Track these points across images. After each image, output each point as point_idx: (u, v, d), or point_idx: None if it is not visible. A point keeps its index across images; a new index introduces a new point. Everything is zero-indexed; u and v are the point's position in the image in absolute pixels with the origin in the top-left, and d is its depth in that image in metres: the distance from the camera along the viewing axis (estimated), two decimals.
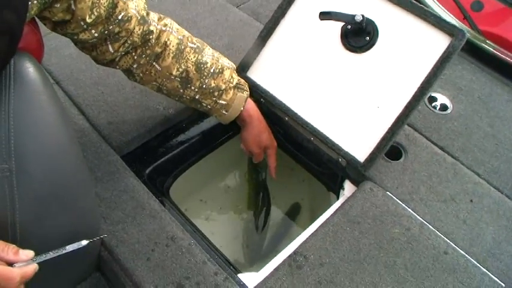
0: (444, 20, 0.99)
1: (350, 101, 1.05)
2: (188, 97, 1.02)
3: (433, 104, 1.22)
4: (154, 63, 0.96)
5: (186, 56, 0.98)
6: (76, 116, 1.11)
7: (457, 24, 0.99)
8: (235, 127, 1.16)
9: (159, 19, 0.97)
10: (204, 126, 1.22)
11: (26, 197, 0.73)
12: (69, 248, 0.74)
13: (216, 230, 1.29)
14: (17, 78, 0.74)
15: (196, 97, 1.02)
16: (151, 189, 1.01)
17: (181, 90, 1.00)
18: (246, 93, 1.07)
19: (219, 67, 1.02)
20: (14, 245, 0.68)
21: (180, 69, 0.98)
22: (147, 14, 0.93)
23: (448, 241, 0.95)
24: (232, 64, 1.08)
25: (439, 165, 1.08)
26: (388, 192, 1.02)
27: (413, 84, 0.99)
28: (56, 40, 1.18)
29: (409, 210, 0.99)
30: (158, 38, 0.95)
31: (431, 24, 1.00)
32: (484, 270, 0.92)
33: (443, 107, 1.22)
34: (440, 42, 0.99)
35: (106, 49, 0.91)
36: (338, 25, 1.06)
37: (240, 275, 0.91)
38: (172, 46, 0.96)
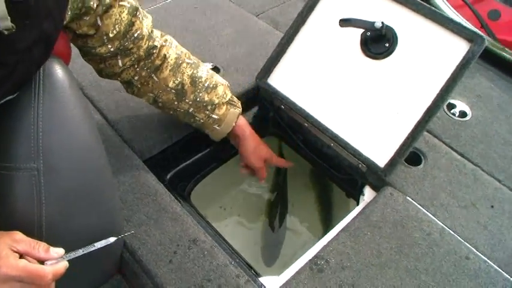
0: (463, 26, 1.00)
1: (370, 107, 1.06)
2: (182, 110, 1.05)
3: (452, 111, 1.22)
4: (153, 75, 1.00)
5: (183, 70, 1.02)
6: (99, 120, 1.13)
7: (476, 30, 1.00)
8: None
9: (161, 35, 1.02)
10: None
11: (53, 196, 0.75)
12: (98, 245, 0.76)
13: (235, 236, 1.30)
14: (46, 81, 0.76)
15: (190, 110, 1.04)
16: (172, 193, 1.02)
17: (176, 103, 1.03)
18: (238, 110, 1.09)
19: (213, 82, 1.05)
20: (44, 243, 0.69)
21: (176, 82, 1.01)
22: (152, 31, 0.98)
23: (470, 246, 0.95)
24: (226, 82, 1.10)
25: (459, 171, 1.08)
26: (408, 198, 1.02)
27: (432, 90, 1.00)
28: None
29: (430, 215, 0.99)
30: (159, 51, 1.00)
31: (450, 30, 1.01)
32: (506, 275, 0.91)
33: (463, 114, 1.22)
34: (460, 48, 1.00)
35: (115, 63, 0.96)
36: (358, 32, 1.08)
37: (261, 279, 0.91)
38: (171, 60, 1.01)
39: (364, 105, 1.06)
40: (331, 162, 1.16)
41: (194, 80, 1.02)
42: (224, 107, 1.06)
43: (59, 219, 0.77)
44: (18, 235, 0.68)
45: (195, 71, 1.03)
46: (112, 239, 0.77)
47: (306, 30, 1.15)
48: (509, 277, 0.91)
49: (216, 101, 1.04)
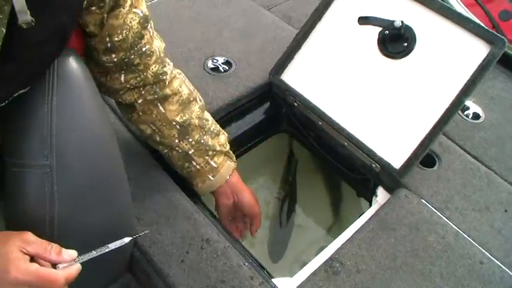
0: (484, 28, 0.99)
1: (386, 107, 1.04)
2: (180, 150, 0.97)
3: (466, 113, 1.21)
4: (159, 104, 0.94)
5: (192, 107, 0.96)
6: (108, 114, 1.10)
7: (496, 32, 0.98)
8: (263, 133, 1.15)
9: (173, 67, 0.97)
10: (234, 130, 1.21)
11: (65, 193, 0.73)
12: (112, 246, 0.73)
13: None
14: (60, 74, 0.73)
15: (190, 152, 0.97)
16: (183, 190, 1.00)
17: (177, 141, 0.96)
18: (234, 164, 1.04)
19: (217, 129, 1.01)
20: (57, 245, 0.67)
21: (184, 118, 0.95)
22: (164, 56, 0.93)
23: (484, 251, 0.94)
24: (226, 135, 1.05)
25: (472, 174, 1.07)
26: (423, 200, 1.01)
27: (451, 91, 0.99)
28: None
29: (444, 218, 0.99)
30: (171, 81, 0.94)
31: (470, 31, 1.00)
32: None
33: (476, 116, 1.21)
34: (480, 50, 0.98)
35: (117, 77, 0.89)
36: (375, 30, 1.06)
37: (274, 280, 0.90)
38: (183, 94, 0.95)
39: (381, 105, 1.05)
40: (344, 161, 1.15)
41: (202, 122, 0.97)
42: (222, 157, 1.00)
43: (71, 217, 0.75)
44: (29, 236, 0.65)
45: (202, 113, 0.98)
46: (127, 239, 0.75)
47: (322, 27, 1.13)
48: None
49: (218, 148, 0.99)
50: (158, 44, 0.90)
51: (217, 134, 1.00)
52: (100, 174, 0.79)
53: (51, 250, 0.66)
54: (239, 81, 1.21)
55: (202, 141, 0.97)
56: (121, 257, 0.91)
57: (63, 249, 0.67)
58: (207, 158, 0.98)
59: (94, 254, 0.71)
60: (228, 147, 1.02)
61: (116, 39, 0.81)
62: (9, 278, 0.61)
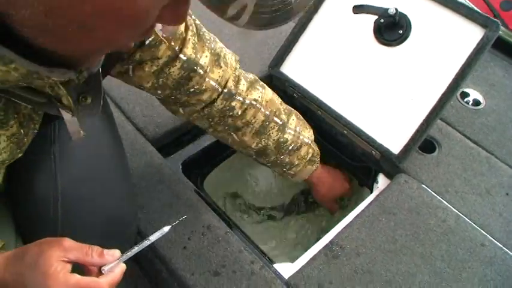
0: (477, 12, 0.99)
1: (383, 94, 1.05)
2: (259, 161, 1.05)
3: (466, 100, 1.21)
4: (232, 133, 0.95)
5: (269, 132, 0.96)
6: (112, 108, 1.12)
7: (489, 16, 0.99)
8: None
9: (248, 90, 0.91)
10: None
11: (67, 178, 0.76)
12: (153, 237, 0.70)
13: (248, 230, 1.30)
14: None
15: (268, 165, 1.05)
16: (186, 180, 1.02)
17: (254, 157, 1.03)
18: (316, 166, 1.08)
19: (298, 144, 1.00)
20: (97, 247, 0.64)
21: (260, 145, 0.97)
22: (237, 82, 0.89)
23: (485, 233, 0.94)
24: (312, 138, 1.05)
25: (473, 158, 1.08)
26: (423, 185, 1.01)
27: (447, 76, 0.99)
28: None
29: (445, 202, 0.99)
30: (243, 113, 0.92)
31: (464, 16, 1.00)
32: None
33: (476, 103, 1.21)
34: (474, 33, 0.99)
35: (176, 110, 0.93)
36: (371, 19, 1.07)
37: (275, 265, 0.91)
38: (257, 124, 0.94)
39: (378, 92, 1.06)
40: (345, 150, 1.16)
41: (279, 145, 0.98)
42: (302, 165, 1.05)
43: (73, 201, 0.78)
44: (67, 242, 0.62)
45: (281, 134, 0.97)
46: (166, 229, 0.72)
47: (318, 18, 1.14)
48: None
49: (296, 162, 1.03)
50: (218, 76, 0.86)
51: (298, 149, 1.01)
52: (102, 162, 0.82)
53: (92, 253, 0.62)
54: None
55: (278, 160, 1.01)
56: (125, 245, 0.92)
57: (105, 250, 0.64)
58: (284, 169, 1.05)
59: (136, 249, 0.67)
60: (309, 155, 1.05)
61: (148, 85, 0.81)
62: None
